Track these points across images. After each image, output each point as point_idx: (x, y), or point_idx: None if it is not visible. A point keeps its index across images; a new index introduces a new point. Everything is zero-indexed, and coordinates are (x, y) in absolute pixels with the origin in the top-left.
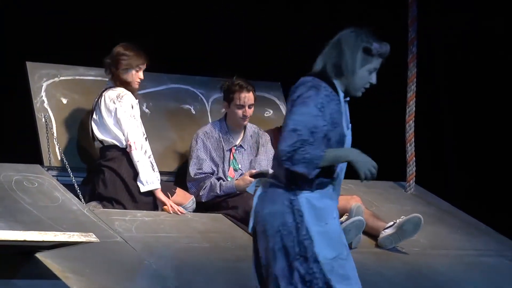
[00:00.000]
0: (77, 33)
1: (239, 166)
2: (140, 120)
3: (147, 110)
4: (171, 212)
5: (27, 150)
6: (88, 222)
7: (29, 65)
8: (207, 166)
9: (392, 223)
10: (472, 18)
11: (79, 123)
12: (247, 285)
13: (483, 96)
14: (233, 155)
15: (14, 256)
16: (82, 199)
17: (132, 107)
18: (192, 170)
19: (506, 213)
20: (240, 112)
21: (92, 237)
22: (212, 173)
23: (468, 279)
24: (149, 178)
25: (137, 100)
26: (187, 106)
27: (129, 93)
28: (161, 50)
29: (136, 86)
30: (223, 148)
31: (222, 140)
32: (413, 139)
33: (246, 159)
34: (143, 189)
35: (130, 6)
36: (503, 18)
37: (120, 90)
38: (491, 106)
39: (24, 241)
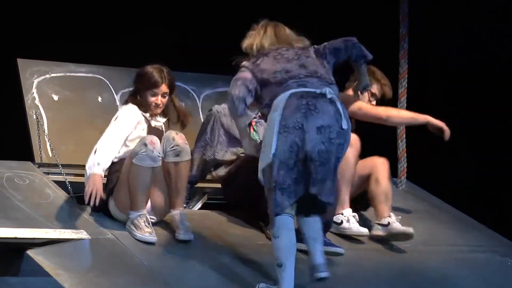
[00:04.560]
0: (69, 29)
1: (260, 138)
2: (127, 133)
3: None
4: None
5: (18, 147)
6: (79, 219)
7: (20, 62)
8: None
9: (386, 222)
10: (464, 14)
11: (70, 120)
12: (239, 282)
13: (475, 92)
14: (253, 128)
15: (5, 253)
16: (73, 196)
17: (122, 119)
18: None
19: (497, 208)
20: None
21: (83, 234)
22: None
23: (459, 275)
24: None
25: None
26: None
27: (135, 110)
28: (152, 46)
29: (152, 110)
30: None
31: None
32: (404, 135)
33: None
34: (86, 176)
35: (121, 3)
36: (496, 14)
37: (129, 106)
38: (482, 102)
39: (15, 238)
